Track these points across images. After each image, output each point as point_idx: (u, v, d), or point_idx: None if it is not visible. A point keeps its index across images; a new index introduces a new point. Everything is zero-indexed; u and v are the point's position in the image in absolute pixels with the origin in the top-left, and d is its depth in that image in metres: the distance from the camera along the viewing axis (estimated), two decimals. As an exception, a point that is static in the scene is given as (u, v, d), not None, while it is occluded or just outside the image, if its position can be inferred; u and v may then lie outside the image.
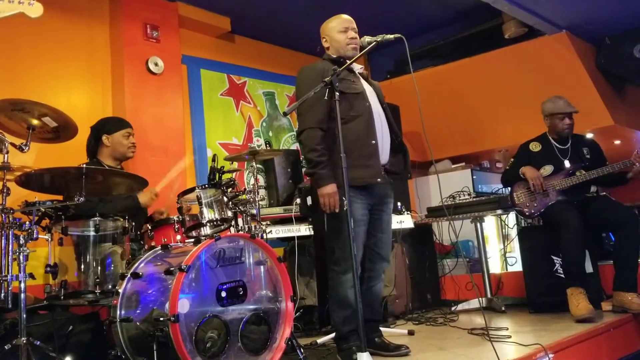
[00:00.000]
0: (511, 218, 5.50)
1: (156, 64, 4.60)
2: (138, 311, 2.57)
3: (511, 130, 6.03)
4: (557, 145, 4.26)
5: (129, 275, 2.64)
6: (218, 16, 5.20)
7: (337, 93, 2.59)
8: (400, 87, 5.88)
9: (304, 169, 5.51)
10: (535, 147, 4.32)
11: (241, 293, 2.59)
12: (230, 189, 3.10)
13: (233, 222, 3.09)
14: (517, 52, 5.79)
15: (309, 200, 4.03)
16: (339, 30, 3.00)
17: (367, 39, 2.94)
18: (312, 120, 2.83)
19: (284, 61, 6.05)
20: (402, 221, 4.39)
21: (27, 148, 2.67)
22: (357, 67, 3.07)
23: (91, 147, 3.59)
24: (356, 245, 2.71)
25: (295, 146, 5.99)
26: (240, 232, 3.06)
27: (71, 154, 3.54)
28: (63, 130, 2.84)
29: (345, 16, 3.07)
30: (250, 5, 5.10)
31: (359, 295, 2.48)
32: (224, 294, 2.51)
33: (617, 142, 6.98)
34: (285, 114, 2.71)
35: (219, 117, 5.35)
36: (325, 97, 2.67)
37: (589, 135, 5.61)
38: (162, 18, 4.75)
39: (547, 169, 4.18)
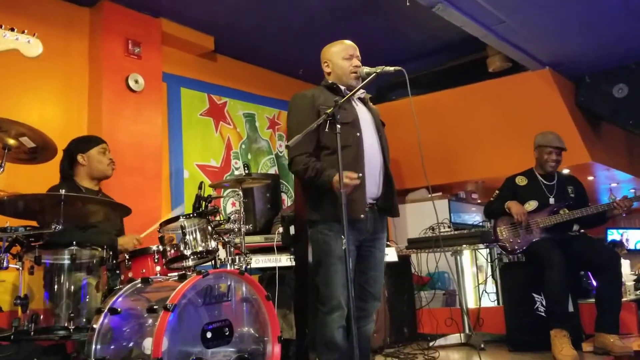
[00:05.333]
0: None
1: (136, 81, 4.41)
2: (114, 348, 2.40)
3: (489, 162, 6.04)
4: (544, 181, 4.24)
5: (106, 311, 2.47)
6: (202, 35, 5.05)
7: (339, 126, 2.48)
8: (381, 115, 5.82)
9: (283, 194, 5.40)
10: (521, 181, 4.30)
11: (227, 334, 2.44)
12: (212, 217, 2.95)
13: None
14: (499, 86, 5.82)
15: (291, 230, 3.91)
16: (344, 57, 2.90)
17: (365, 69, 2.83)
18: (298, 149, 2.72)
19: (266, 83, 5.94)
20: (387, 254, 4.27)
21: (1, 169, 2.48)
22: (359, 92, 2.96)
23: (65, 169, 3.34)
24: (341, 283, 2.62)
25: (274, 170, 5.86)
26: (229, 268, 2.90)
27: (43, 175, 3.31)
28: (41, 151, 2.64)
29: (348, 42, 2.96)
30: (235, 26, 4.98)
31: (355, 340, 2.34)
32: (209, 334, 2.36)
33: (590, 178, 7.07)
34: (288, 147, 2.61)
35: (198, 138, 5.17)
36: (321, 128, 2.57)
37: (565, 171, 5.66)
38: (145, 34, 4.57)
39: (532, 204, 4.14)
